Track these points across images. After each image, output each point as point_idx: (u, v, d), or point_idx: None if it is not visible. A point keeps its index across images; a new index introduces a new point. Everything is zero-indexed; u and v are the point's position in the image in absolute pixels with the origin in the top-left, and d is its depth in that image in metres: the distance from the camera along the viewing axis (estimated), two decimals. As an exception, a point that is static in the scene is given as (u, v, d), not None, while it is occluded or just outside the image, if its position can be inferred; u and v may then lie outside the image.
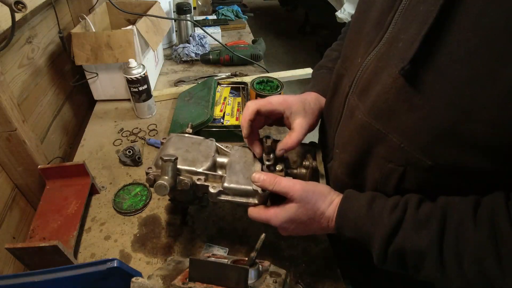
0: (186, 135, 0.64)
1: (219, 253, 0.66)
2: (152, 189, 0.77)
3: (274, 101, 0.59)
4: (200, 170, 0.56)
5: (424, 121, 0.40)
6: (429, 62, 0.38)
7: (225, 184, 0.54)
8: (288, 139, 0.57)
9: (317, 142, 0.68)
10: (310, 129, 0.61)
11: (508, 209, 0.37)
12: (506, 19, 0.32)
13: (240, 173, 0.56)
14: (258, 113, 0.58)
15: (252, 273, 0.46)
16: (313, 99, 0.64)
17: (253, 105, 0.58)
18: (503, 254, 0.36)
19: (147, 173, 0.56)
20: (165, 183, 0.51)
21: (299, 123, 0.58)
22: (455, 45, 0.36)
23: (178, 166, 0.55)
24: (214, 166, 0.59)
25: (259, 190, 0.53)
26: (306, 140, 0.65)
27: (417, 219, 0.43)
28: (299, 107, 0.59)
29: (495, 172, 0.39)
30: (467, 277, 0.39)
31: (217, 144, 0.62)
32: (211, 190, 0.54)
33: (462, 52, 0.35)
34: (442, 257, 0.40)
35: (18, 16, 0.67)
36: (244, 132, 0.58)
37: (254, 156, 0.60)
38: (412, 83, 0.40)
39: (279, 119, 0.62)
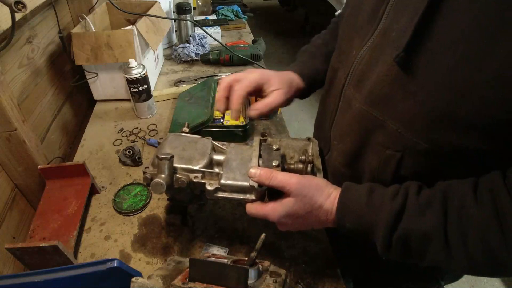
0: (183, 134, 0.64)
1: (219, 253, 0.66)
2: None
3: (252, 78, 0.61)
4: (196, 168, 0.56)
5: (419, 106, 0.41)
6: (422, 48, 0.39)
7: (222, 181, 0.55)
8: (260, 104, 0.60)
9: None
10: (286, 101, 0.64)
11: (507, 187, 0.38)
12: (496, 1, 0.34)
13: (237, 170, 0.57)
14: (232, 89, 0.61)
15: (252, 273, 0.46)
16: (289, 77, 0.66)
17: (226, 82, 0.62)
18: (507, 231, 0.37)
19: (144, 173, 0.56)
20: (161, 181, 0.51)
21: (275, 92, 0.61)
22: (447, 28, 0.37)
23: (175, 165, 0.55)
24: (211, 163, 0.59)
25: (256, 186, 0.53)
26: (303, 136, 0.66)
27: (419, 203, 0.43)
28: (276, 80, 0.62)
29: (490, 152, 0.40)
30: (473, 256, 0.39)
31: (213, 142, 0.63)
32: (208, 187, 0.55)
33: (454, 34, 0.37)
34: (447, 238, 0.41)
35: (18, 16, 0.67)
36: (221, 106, 0.62)
37: (251, 153, 0.60)
38: (406, 70, 0.41)
39: (257, 91, 0.64)
